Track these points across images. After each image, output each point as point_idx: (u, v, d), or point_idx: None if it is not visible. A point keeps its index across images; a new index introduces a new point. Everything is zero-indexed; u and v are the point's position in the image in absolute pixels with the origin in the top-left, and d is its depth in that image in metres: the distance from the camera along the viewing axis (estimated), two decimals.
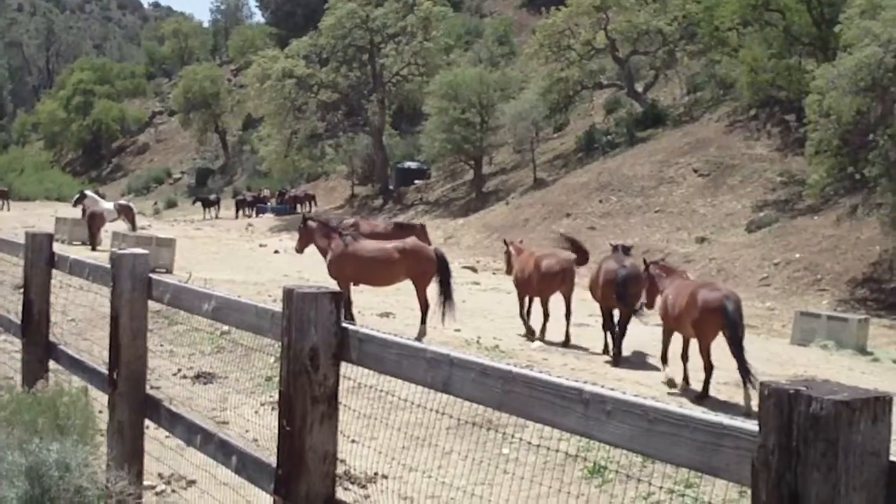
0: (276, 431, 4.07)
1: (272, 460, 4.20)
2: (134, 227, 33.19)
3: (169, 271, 21.67)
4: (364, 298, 16.88)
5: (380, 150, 58.84)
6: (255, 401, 9.31)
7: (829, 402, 2.15)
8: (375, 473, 7.09)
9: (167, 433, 5.96)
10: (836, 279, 26.87)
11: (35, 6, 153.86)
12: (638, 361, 14.22)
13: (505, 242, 18.57)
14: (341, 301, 4.05)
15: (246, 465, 4.60)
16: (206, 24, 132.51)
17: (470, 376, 3.21)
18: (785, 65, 38.45)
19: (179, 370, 10.56)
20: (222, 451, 4.89)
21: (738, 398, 11.75)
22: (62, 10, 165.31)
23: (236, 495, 5.50)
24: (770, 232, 31.11)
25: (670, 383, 12.77)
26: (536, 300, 16.38)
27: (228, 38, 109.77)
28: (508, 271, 17.94)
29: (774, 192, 34.46)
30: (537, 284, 15.99)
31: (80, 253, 19.32)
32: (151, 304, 6.02)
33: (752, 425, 2.34)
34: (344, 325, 3.97)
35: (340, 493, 4.23)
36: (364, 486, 7.18)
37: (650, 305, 13.94)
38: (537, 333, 15.94)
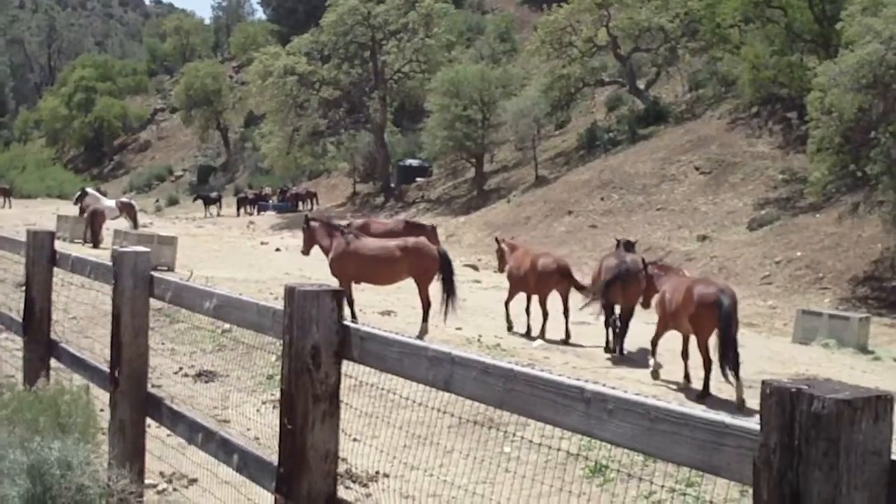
0: (278, 430, 4.07)
1: (273, 459, 4.20)
2: (136, 225, 33.21)
3: (170, 269, 21.67)
4: (365, 296, 16.88)
5: (381, 148, 58.83)
6: (257, 399, 9.31)
7: (831, 401, 2.15)
8: (377, 472, 7.09)
9: (169, 431, 5.96)
10: (837, 277, 26.85)
11: (37, 3, 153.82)
12: (640, 360, 14.22)
13: (497, 240, 18.64)
14: (343, 299, 4.05)
15: (247, 464, 4.60)
16: (207, 21, 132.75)
17: (471, 374, 3.21)
18: (787, 62, 38.42)
19: (181, 368, 10.56)
20: (224, 449, 4.90)
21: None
22: (64, 7, 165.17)
23: (238, 494, 5.50)
24: (772, 230, 31.08)
25: (654, 374, 12.85)
26: (534, 299, 16.45)
27: (230, 34, 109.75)
28: (500, 268, 18.08)
29: (776, 190, 34.42)
30: (534, 283, 16.06)
31: (81, 251, 19.34)
32: (153, 302, 6.02)
33: (753, 424, 2.34)
34: (345, 323, 3.97)
35: (342, 492, 4.23)
36: (365, 485, 7.18)
37: (647, 305, 14.00)
38: (534, 332, 16.01)
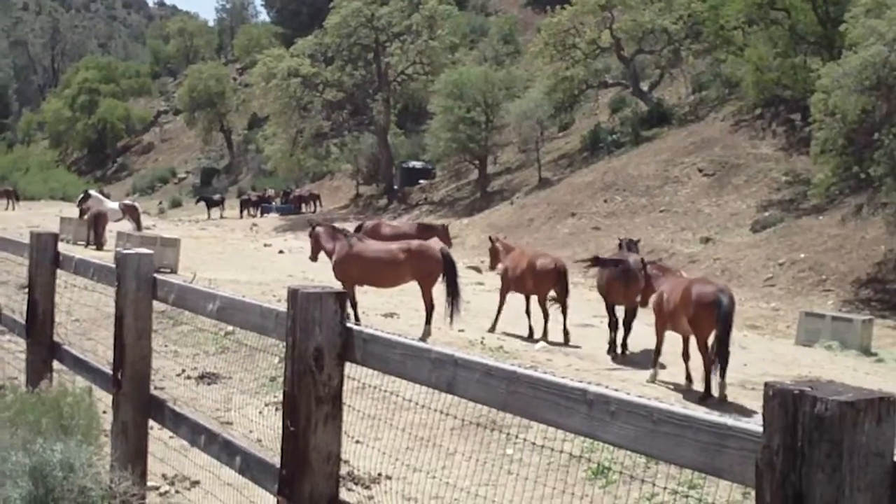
0: (280, 432, 4.07)
1: (276, 461, 4.20)
2: (139, 227, 33.21)
3: (173, 271, 21.68)
4: (368, 299, 16.88)
5: (385, 150, 58.85)
6: (260, 401, 9.31)
7: (834, 403, 2.15)
8: (379, 474, 7.09)
9: (171, 434, 5.96)
10: (840, 279, 26.82)
11: (40, 5, 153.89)
12: (643, 362, 14.22)
13: (491, 239, 18.70)
14: (346, 301, 4.04)
15: (250, 466, 4.60)
16: (211, 23, 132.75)
17: (474, 377, 3.21)
18: (790, 64, 38.38)
19: (183, 370, 10.56)
20: (226, 451, 4.90)
21: (743, 398, 11.76)
22: (67, 9, 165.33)
23: (240, 496, 5.50)
24: (775, 232, 31.06)
25: (651, 378, 12.87)
26: (530, 299, 16.50)
27: (234, 37, 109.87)
28: (492, 266, 18.15)
29: (779, 192, 34.40)
30: (532, 283, 16.09)
31: (84, 253, 19.36)
32: (156, 305, 6.02)
33: (756, 426, 2.33)
34: (348, 325, 3.97)
35: (344, 494, 4.23)
36: (368, 487, 7.17)
37: (644, 304, 14.05)
38: (536, 334, 16.03)
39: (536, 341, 15.65)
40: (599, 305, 16.50)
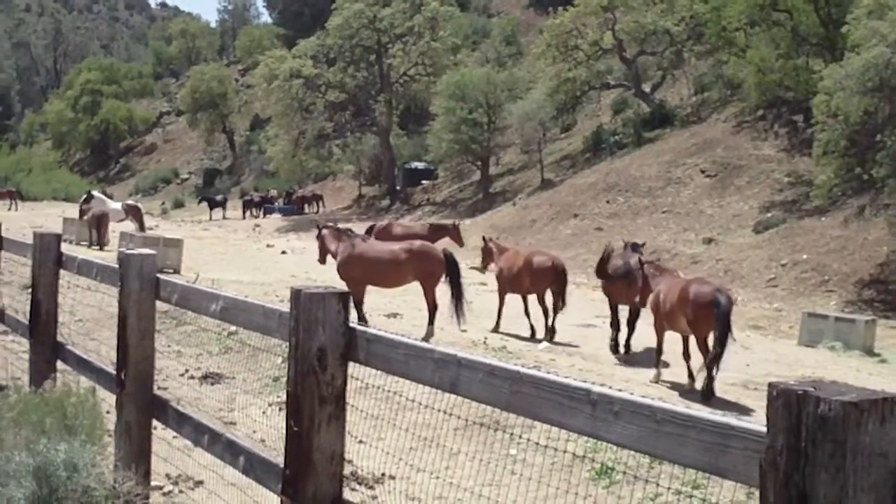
0: (284, 432, 4.07)
1: (279, 461, 4.20)
2: (142, 228, 33.22)
3: (176, 272, 21.69)
4: (371, 299, 16.89)
5: (387, 151, 58.88)
6: (263, 401, 9.32)
7: (838, 403, 2.15)
8: (383, 474, 7.09)
9: (175, 434, 5.97)
10: (843, 280, 26.80)
11: (43, 6, 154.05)
12: (646, 361, 14.22)
13: (484, 239, 18.71)
14: (349, 301, 4.05)
15: (253, 466, 4.60)
16: (213, 25, 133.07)
17: (478, 377, 3.21)
18: (792, 65, 38.36)
19: (187, 371, 10.57)
20: (230, 451, 4.90)
21: (746, 399, 11.75)
22: (70, 11, 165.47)
23: (244, 496, 5.51)
24: (777, 233, 31.04)
25: (655, 378, 12.87)
26: (529, 299, 16.52)
27: (236, 38, 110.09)
28: (484, 266, 18.18)
29: (782, 193, 34.38)
30: (530, 282, 16.10)
31: (87, 253, 19.37)
32: (159, 305, 6.03)
33: (760, 426, 2.34)
34: (351, 325, 3.98)
35: (348, 494, 4.23)
36: (371, 487, 7.18)
37: (643, 304, 14.06)
38: (538, 334, 16.03)
39: (539, 341, 15.66)
40: (602, 305, 16.50)
